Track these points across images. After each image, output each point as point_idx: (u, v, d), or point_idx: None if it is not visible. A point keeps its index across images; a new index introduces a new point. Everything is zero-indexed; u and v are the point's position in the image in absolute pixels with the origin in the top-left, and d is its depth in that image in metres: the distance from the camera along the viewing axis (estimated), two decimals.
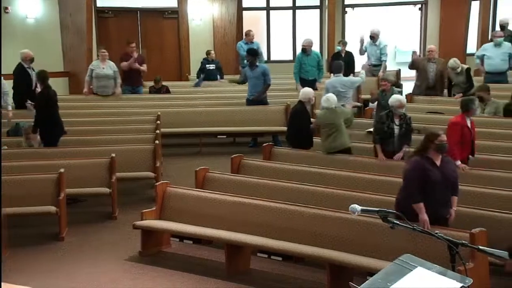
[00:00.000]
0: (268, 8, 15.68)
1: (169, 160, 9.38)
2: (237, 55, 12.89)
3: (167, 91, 11.83)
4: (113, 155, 7.36)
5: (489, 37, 11.86)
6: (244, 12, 15.25)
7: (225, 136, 10.46)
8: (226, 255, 5.63)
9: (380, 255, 4.81)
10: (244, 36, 12.75)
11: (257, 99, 10.29)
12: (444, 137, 5.02)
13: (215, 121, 10.18)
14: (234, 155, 7.37)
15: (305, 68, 11.04)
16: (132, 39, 12.10)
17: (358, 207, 2.98)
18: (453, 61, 9.70)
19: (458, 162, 6.25)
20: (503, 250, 2.80)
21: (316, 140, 7.78)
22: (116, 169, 7.32)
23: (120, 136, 8.56)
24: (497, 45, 10.47)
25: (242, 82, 10.74)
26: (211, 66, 12.63)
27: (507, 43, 10.62)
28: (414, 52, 10.91)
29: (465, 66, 9.85)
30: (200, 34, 14.59)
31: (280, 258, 5.52)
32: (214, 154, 9.84)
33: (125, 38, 12.28)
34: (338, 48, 12.25)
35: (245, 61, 10.48)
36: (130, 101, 10.91)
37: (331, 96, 7.56)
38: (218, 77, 12.72)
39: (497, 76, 10.23)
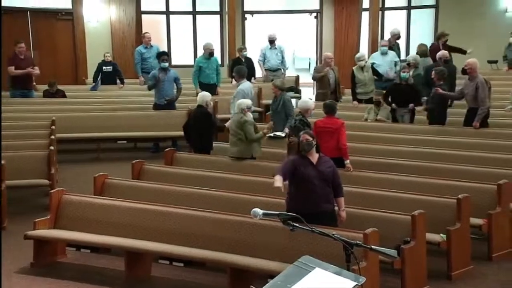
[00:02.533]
0: (167, 13, 15.55)
1: (66, 167, 9.04)
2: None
3: (63, 95, 11.39)
4: (3, 162, 7.00)
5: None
6: (144, 16, 15.03)
7: (125, 142, 10.25)
8: (125, 263, 5.53)
9: (281, 258, 4.93)
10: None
11: (171, 102, 10.20)
12: (306, 136, 5.28)
13: (115, 126, 9.95)
14: (135, 161, 7.25)
15: (206, 72, 11.08)
16: (21, 39, 11.49)
17: (259, 211, 3.04)
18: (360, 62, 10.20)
19: (348, 162, 6.58)
20: (392, 249, 2.98)
21: (219, 144, 7.84)
22: (6, 176, 6.97)
23: (10, 142, 8.13)
24: (383, 53, 11.08)
25: (153, 86, 10.28)
26: (108, 68, 12.31)
27: (391, 52, 11.29)
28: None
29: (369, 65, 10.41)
30: (98, 37, 14.18)
31: (181, 264, 5.50)
32: (114, 160, 9.61)
33: (14, 39, 11.67)
34: (243, 54, 12.38)
35: (162, 63, 10.23)
36: (21, 105, 10.40)
37: (243, 102, 7.62)
38: (118, 81, 12.40)
39: (385, 83, 10.85)
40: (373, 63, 11.01)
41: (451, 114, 8.84)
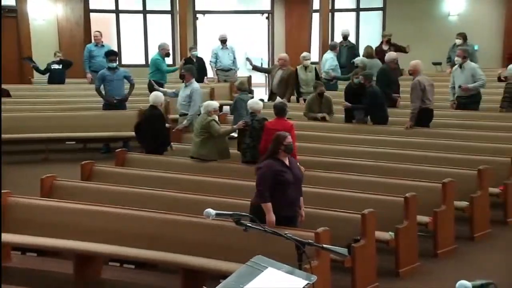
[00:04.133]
0: (117, 11, 15.33)
1: (12, 169, 8.78)
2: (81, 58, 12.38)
3: (8, 95, 11.06)
4: None
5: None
6: (93, 14, 14.75)
7: (74, 142, 10.05)
8: (74, 266, 5.42)
9: (234, 258, 4.94)
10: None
11: (122, 102, 10.05)
12: (290, 139, 5.30)
13: (63, 127, 9.74)
14: (84, 162, 7.12)
15: (160, 71, 11.04)
16: None
17: (212, 211, 3.05)
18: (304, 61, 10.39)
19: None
20: (343, 248, 3.05)
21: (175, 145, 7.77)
22: None
23: None
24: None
25: (99, 87, 10.08)
26: (56, 66, 12.04)
27: (330, 54, 11.57)
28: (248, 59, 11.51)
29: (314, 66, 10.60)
30: (44, 36, 13.85)
31: (132, 266, 5.44)
32: (62, 161, 9.40)
33: None
34: (194, 53, 12.34)
35: (110, 63, 10.06)
36: None
37: (207, 102, 7.56)
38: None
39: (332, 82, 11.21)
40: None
41: (399, 114, 9.06)
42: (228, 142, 7.62)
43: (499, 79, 10.39)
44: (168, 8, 15.43)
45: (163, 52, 11.15)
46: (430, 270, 5.70)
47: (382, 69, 9.76)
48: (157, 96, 8.00)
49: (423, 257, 5.81)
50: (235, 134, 7.76)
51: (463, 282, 2.56)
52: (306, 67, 10.48)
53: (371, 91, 8.73)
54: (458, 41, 12.27)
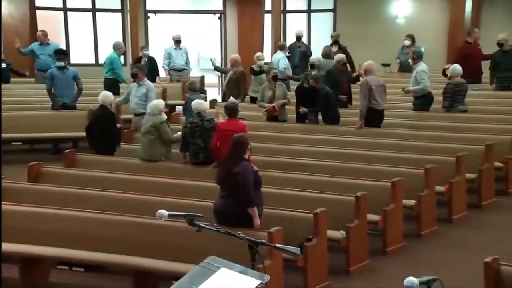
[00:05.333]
0: (65, 9, 14.98)
1: None
2: (33, 57, 12.08)
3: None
4: None
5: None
6: (39, 12, 14.38)
7: (20, 143, 9.77)
8: (20, 270, 5.28)
9: (187, 259, 4.91)
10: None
11: (73, 104, 9.81)
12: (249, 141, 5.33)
13: (10, 127, 9.44)
14: (32, 163, 6.94)
15: (119, 70, 10.90)
16: None
17: (165, 212, 3.03)
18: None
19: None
20: (296, 247, 3.08)
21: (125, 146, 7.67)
22: None
23: None
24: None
25: (51, 88, 9.82)
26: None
27: (280, 54, 11.75)
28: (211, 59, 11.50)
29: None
30: None
31: (82, 269, 5.34)
32: (7, 162, 9.09)
33: None
34: (146, 53, 12.20)
35: (58, 62, 9.82)
36: None
37: (155, 102, 7.49)
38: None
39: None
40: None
41: (350, 115, 9.22)
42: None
43: (443, 73, 10.66)
44: (119, 6, 15.21)
45: (121, 51, 11.04)
46: (379, 267, 5.82)
47: (328, 71, 9.90)
48: (106, 95, 7.89)
49: (373, 255, 5.92)
50: (179, 133, 7.73)
51: (411, 278, 2.64)
52: (260, 67, 10.52)
53: (324, 93, 8.84)
54: (407, 43, 12.59)
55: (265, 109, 9.10)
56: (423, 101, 9.46)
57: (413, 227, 6.51)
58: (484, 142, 7.45)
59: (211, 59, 11.50)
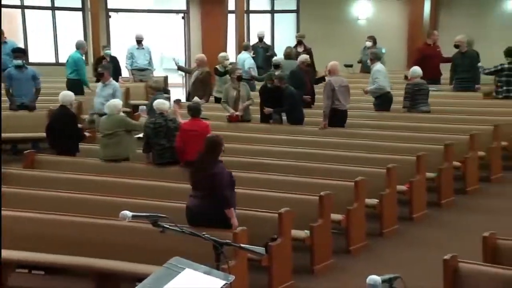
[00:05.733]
0: (23, 7, 14.66)
1: None
2: None
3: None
4: None
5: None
6: None
7: None
8: None
9: (151, 260, 4.87)
10: None
11: (32, 104, 9.57)
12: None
13: None
14: None
15: (83, 71, 10.74)
16: None
17: (129, 213, 3.00)
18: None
19: None
20: (261, 247, 3.09)
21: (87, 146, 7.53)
22: None
23: None
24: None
25: (9, 87, 9.58)
26: None
27: (245, 54, 11.81)
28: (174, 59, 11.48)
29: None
30: None
31: (42, 272, 5.24)
32: None
33: None
34: (107, 52, 12.05)
35: (15, 60, 9.59)
36: None
37: (114, 102, 7.40)
38: None
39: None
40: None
41: (314, 115, 9.29)
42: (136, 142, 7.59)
43: (406, 78, 10.91)
44: (79, 5, 14.97)
45: (84, 50, 10.88)
46: (343, 266, 5.88)
47: (292, 71, 9.97)
48: (66, 95, 7.78)
49: (336, 254, 5.98)
50: (141, 135, 7.68)
51: (373, 276, 2.68)
52: (225, 67, 10.51)
53: (289, 93, 8.89)
54: (369, 44, 12.77)
55: (228, 115, 9.09)
56: (381, 101, 9.61)
57: (375, 225, 6.60)
58: (444, 142, 7.61)
59: (173, 59, 11.44)
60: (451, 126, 8.71)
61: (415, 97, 9.40)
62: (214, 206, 5.07)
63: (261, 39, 13.05)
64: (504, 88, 10.21)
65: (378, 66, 9.61)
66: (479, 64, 10.69)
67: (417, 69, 9.56)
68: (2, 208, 5.55)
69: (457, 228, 6.87)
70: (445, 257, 4.13)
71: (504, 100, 10.09)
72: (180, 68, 11.64)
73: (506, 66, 10.13)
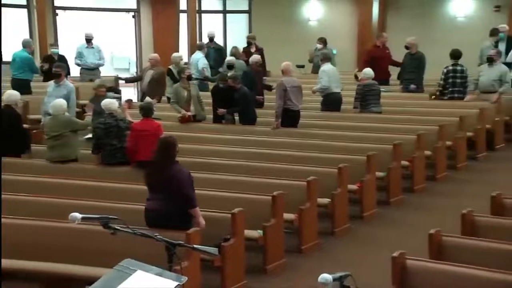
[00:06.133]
0: None
1: None
2: None
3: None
4: None
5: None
6: None
7: None
8: None
9: (102, 263, 4.77)
10: None
11: None
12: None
13: None
14: None
15: (35, 70, 10.54)
16: None
17: (78, 215, 2.94)
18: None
19: None
20: (213, 247, 3.07)
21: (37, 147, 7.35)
22: None
23: None
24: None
25: None
26: None
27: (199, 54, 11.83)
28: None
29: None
30: None
31: None
32: None
33: None
34: (55, 51, 11.78)
35: None
36: None
37: (59, 102, 7.23)
38: None
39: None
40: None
41: (266, 115, 9.33)
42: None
43: (356, 77, 11.09)
44: (24, 2, 14.54)
45: (31, 49, 10.59)
46: (295, 265, 5.93)
47: (244, 72, 10.00)
48: (12, 94, 7.55)
49: (289, 253, 6.02)
50: (90, 135, 7.56)
51: (325, 275, 2.72)
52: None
53: (242, 93, 8.91)
54: (319, 45, 12.94)
55: (180, 116, 9.02)
56: (328, 101, 9.77)
57: (327, 225, 6.68)
58: (392, 142, 7.78)
59: (120, 78, 11.44)
60: (399, 126, 8.91)
61: (366, 98, 9.56)
62: (177, 207, 5.01)
63: (211, 39, 13.01)
64: (449, 89, 10.49)
65: (325, 66, 9.77)
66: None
67: (369, 71, 9.74)
68: None
69: (405, 226, 7.03)
70: (394, 254, 4.22)
71: (449, 101, 10.39)
72: (128, 81, 11.53)
73: (451, 68, 10.42)
